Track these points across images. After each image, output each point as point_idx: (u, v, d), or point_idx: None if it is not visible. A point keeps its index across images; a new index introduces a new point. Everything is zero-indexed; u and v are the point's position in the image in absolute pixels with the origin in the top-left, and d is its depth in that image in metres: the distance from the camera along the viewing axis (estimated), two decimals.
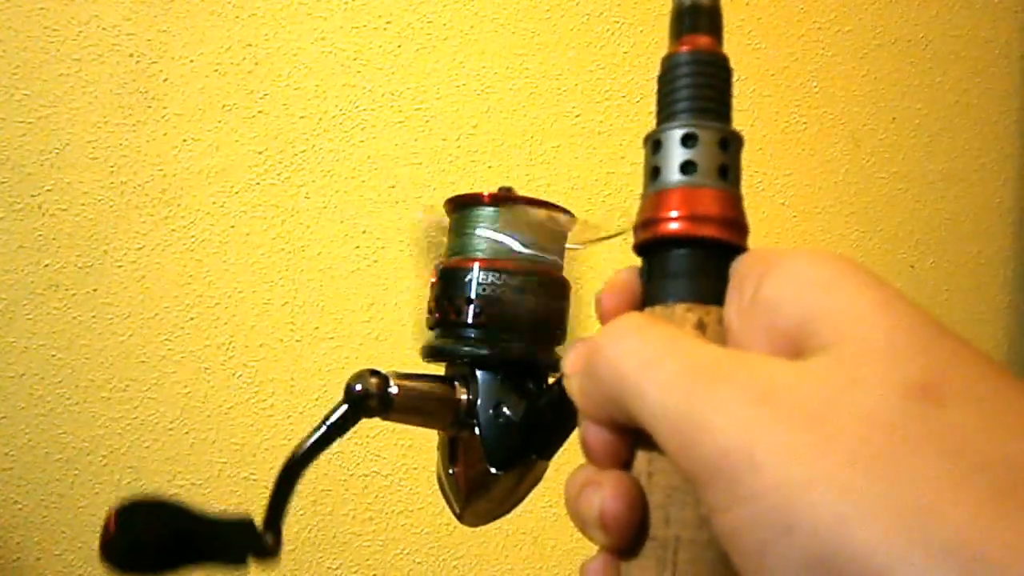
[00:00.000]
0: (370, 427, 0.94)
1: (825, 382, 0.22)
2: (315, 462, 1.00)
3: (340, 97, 0.88)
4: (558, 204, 0.44)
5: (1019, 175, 1.15)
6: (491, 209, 0.44)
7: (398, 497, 0.96)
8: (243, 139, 0.86)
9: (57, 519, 0.88)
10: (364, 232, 0.91)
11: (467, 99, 0.90)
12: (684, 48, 0.30)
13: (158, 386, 0.89)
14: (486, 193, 0.44)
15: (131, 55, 0.83)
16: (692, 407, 0.23)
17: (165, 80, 0.84)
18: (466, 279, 0.43)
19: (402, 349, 0.94)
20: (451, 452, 0.45)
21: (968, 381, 0.22)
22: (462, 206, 0.45)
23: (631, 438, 0.27)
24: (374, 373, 0.41)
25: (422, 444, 0.95)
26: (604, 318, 0.30)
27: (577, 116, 0.93)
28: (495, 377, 0.43)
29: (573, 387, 0.28)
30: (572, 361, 0.28)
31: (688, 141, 0.29)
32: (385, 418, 0.41)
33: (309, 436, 0.41)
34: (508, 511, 0.46)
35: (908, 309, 0.23)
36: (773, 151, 0.99)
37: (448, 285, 0.43)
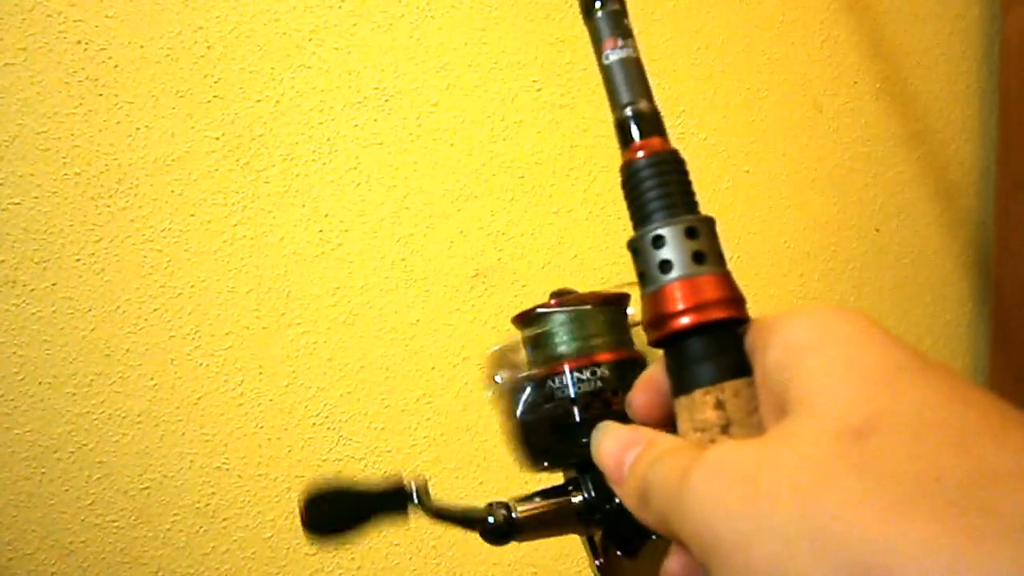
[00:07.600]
0: (341, 411, 0.93)
1: (770, 446, 0.25)
2: (288, 450, 0.99)
3: (296, 79, 0.86)
4: (617, 292, 0.46)
5: (981, 135, 1.16)
6: (563, 315, 0.46)
7: None
8: (199, 125, 0.85)
9: (27, 518, 0.87)
10: (327, 216, 0.90)
11: (426, 76, 0.89)
12: (641, 154, 0.33)
13: (124, 379, 0.88)
14: (553, 300, 0.47)
15: (79, 42, 0.81)
16: (673, 514, 0.27)
17: (116, 67, 0.82)
18: (563, 383, 0.45)
19: (368, 333, 0.93)
20: (592, 550, 0.47)
21: (903, 417, 0.24)
22: (536, 319, 0.47)
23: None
24: (500, 505, 0.44)
25: (394, 427, 0.95)
26: (636, 416, 0.33)
27: (539, 90, 0.92)
28: None
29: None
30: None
31: (658, 241, 0.31)
32: (519, 540, 0.45)
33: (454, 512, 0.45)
34: None
35: (871, 364, 0.25)
36: (736, 119, 0.99)
37: (545, 393, 0.45)
